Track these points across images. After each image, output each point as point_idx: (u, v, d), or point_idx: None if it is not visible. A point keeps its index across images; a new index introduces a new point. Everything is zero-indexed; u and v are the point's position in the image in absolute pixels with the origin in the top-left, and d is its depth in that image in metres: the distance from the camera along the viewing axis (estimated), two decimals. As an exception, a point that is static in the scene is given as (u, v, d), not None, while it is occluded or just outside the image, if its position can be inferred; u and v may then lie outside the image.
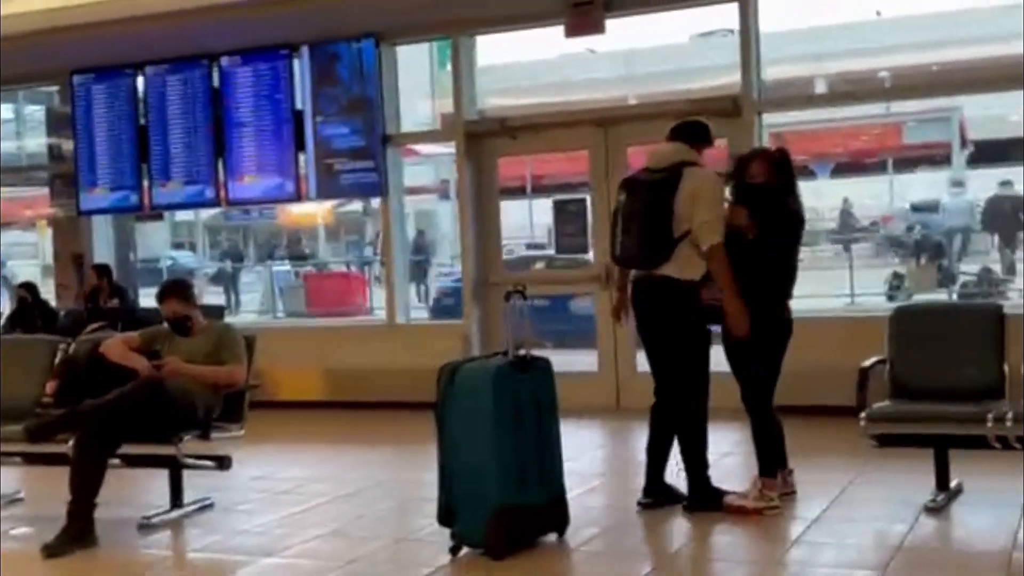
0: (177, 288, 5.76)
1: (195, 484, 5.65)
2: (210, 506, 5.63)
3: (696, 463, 5.16)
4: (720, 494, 5.14)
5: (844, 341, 6.84)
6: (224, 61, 9.09)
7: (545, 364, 4.76)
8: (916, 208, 17.56)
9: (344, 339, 9.27)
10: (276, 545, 4.91)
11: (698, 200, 5.01)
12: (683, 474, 5.18)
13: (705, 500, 5.11)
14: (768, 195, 5.15)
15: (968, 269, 14.02)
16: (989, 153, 21.59)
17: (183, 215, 24.71)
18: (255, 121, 9.02)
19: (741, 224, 5.11)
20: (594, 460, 6.40)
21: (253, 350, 5.69)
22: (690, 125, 5.32)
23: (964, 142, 19.87)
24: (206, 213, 22.90)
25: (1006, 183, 14.30)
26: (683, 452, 5.18)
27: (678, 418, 5.20)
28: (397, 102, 8.85)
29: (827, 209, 19.69)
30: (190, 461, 5.37)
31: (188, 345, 5.54)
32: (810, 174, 22.21)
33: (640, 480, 5.34)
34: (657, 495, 5.22)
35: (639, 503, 5.22)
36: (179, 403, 5.25)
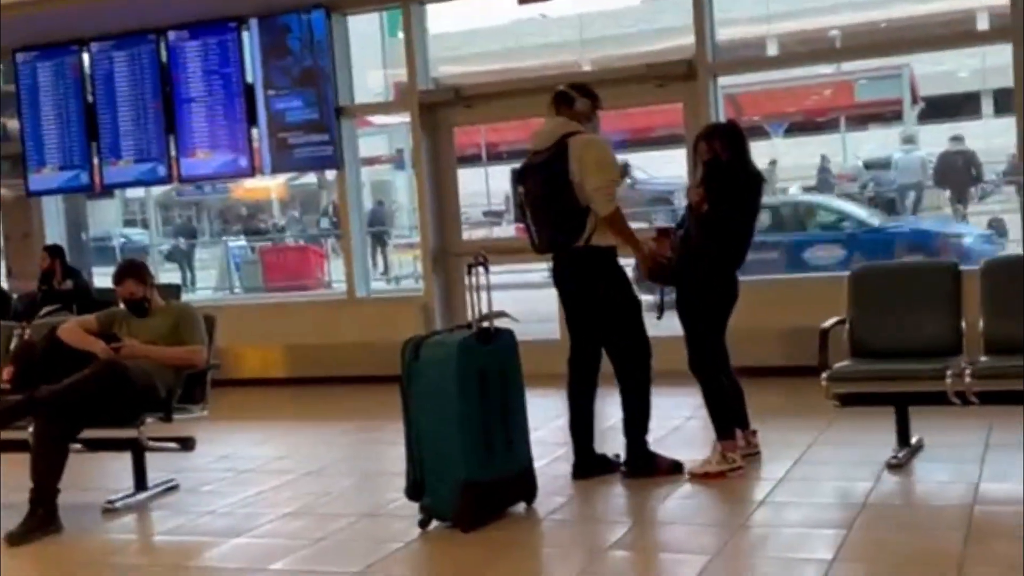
0: (133, 269, 5.67)
1: (159, 466, 5.61)
2: (175, 488, 5.59)
3: (638, 428, 5.20)
4: (657, 459, 5.18)
5: (802, 301, 6.89)
6: (172, 36, 8.93)
7: (509, 336, 4.76)
8: (869, 166, 17.69)
9: (304, 314, 9.21)
10: (243, 525, 4.89)
11: (585, 167, 5.00)
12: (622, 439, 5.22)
13: (643, 466, 5.15)
14: (717, 169, 5.15)
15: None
16: (940, 109, 21.82)
17: (134, 192, 24.40)
18: (206, 96, 8.88)
19: (692, 200, 5.17)
20: (559, 429, 6.38)
21: (213, 329, 5.64)
22: (561, 95, 5.24)
23: (915, 99, 20.01)
24: (158, 190, 22.62)
25: (957, 138, 14.44)
26: (627, 417, 5.21)
27: (624, 384, 5.21)
28: (350, 73, 8.75)
29: (781, 169, 19.79)
30: (153, 444, 5.33)
31: (147, 326, 5.48)
32: (764, 134, 22.36)
33: (606, 448, 5.37)
34: (591, 469, 5.22)
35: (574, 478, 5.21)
36: (139, 385, 5.19)
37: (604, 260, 5.10)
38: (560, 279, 5.25)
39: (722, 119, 7.88)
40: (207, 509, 5.21)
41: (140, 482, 5.47)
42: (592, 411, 5.27)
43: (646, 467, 5.15)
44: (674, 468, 5.17)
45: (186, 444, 5.43)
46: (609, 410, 5.55)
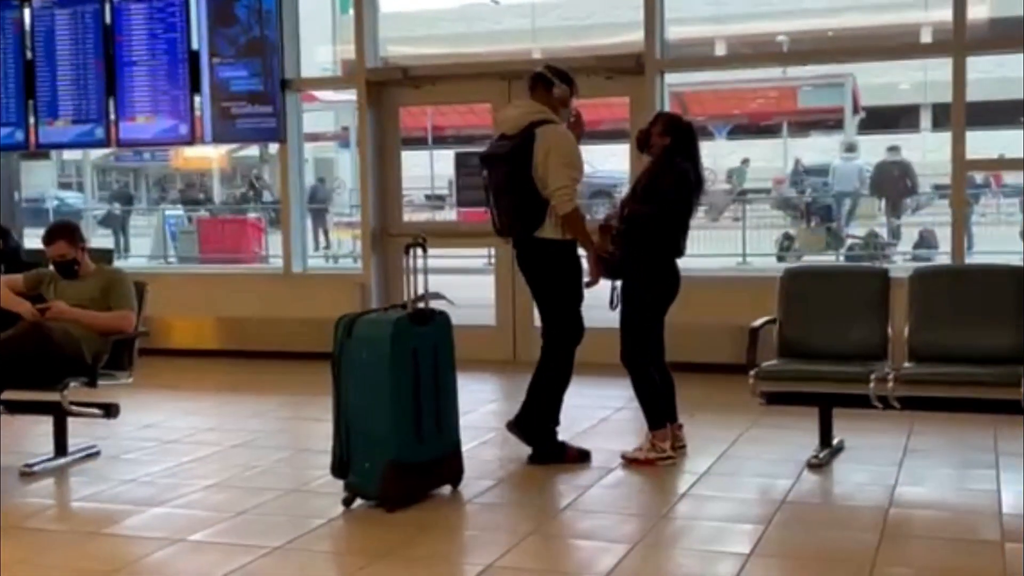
0: (65, 230, 5.57)
1: (81, 432, 5.53)
2: (96, 455, 5.51)
3: (547, 414, 5.27)
4: (565, 448, 5.27)
5: (737, 300, 6.98)
6: (117, -3, 8.77)
7: (444, 318, 4.75)
8: (807, 171, 17.95)
9: (239, 287, 9.10)
10: (164, 495, 4.83)
11: (550, 163, 5.05)
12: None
13: (549, 453, 5.24)
14: (658, 155, 5.20)
15: (855, 232, 14.43)
16: (880, 120, 22.21)
17: (71, 155, 23.94)
18: (149, 60, 8.72)
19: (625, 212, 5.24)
20: (489, 413, 6.43)
21: (144, 295, 5.56)
22: (540, 76, 5.25)
23: (856, 108, 20.34)
24: (96, 153, 22.23)
25: (893, 148, 14.70)
26: (536, 400, 5.27)
27: (542, 366, 5.29)
28: (297, 46, 8.65)
29: (722, 170, 20.00)
30: (76, 409, 5.24)
31: (75, 289, 5.39)
32: (708, 135, 22.58)
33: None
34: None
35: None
36: (65, 349, 5.11)
37: (559, 251, 5.17)
38: (520, 265, 5.37)
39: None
40: (128, 477, 5.14)
41: (60, 447, 5.39)
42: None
43: (557, 456, 5.23)
44: (581, 456, 5.27)
45: (110, 411, 5.35)
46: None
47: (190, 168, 24.27)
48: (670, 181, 5.14)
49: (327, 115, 21.65)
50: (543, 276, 5.24)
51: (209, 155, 20.96)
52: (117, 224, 19.15)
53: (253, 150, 22.29)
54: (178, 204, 21.20)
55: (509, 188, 5.15)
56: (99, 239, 17.04)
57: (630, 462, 5.20)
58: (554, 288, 5.24)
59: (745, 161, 19.14)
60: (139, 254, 17.64)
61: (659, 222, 5.14)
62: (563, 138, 5.14)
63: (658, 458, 5.18)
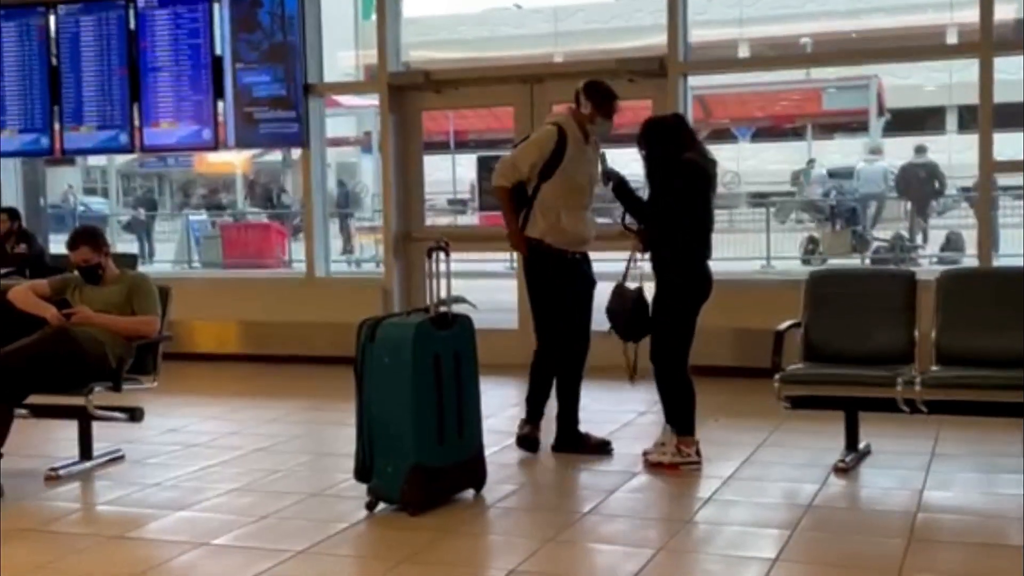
0: (89, 235, 5.59)
1: (105, 436, 5.55)
2: (120, 459, 5.53)
3: (532, 403, 5.56)
4: (585, 438, 5.51)
5: (762, 304, 6.93)
6: (141, 3, 8.79)
7: (466, 321, 4.74)
8: (832, 174, 17.83)
9: (262, 291, 9.13)
10: (188, 499, 4.84)
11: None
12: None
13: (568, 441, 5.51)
14: (653, 158, 5.20)
15: (881, 235, 14.34)
16: (905, 122, 22.06)
17: (95, 160, 24.10)
18: (172, 66, 8.77)
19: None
20: (511, 418, 6.38)
21: (167, 300, 5.58)
22: (577, 91, 5.50)
23: (881, 110, 20.21)
24: (120, 159, 22.37)
25: (921, 149, 14.56)
26: (561, 405, 5.59)
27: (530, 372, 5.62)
28: (320, 51, 8.68)
29: (746, 173, 19.93)
30: (100, 413, 5.26)
31: (100, 294, 5.41)
32: (731, 138, 22.49)
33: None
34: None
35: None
36: (89, 353, 5.13)
37: (539, 252, 5.43)
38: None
39: (689, 119, 7.91)
40: (152, 481, 5.16)
41: (85, 451, 5.41)
42: (574, 390, 5.57)
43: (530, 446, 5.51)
44: (601, 447, 5.47)
45: (134, 415, 5.37)
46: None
47: (213, 173, 24.38)
48: (673, 175, 5.10)
49: (349, 120, 21.73)
50: (526, 275, 5.57)
51: (232, 160, 21.03)
52: (142, 229, 19.29)
53: (276, 155, 22.39)
54: (201, 209, 21.32)
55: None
56: (124, 245, 17.17)
57: (654, 466, 5.16)
58: (532, 289, 5.52)
59: (811, 162, 18.88)
60: (163, 259, 17.75)
61: (674, 216, 5.10)
62: (541, 131, 5.49)
63: (683, 463, 5.14)
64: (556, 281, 5.45)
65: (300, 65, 8.47)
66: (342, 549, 4.22)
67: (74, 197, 23.00)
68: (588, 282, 5.55)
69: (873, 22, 21.18)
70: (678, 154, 5.13)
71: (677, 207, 5.10)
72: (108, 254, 5.57)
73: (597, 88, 5.45)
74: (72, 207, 21.66)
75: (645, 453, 5.27)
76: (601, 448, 5.47)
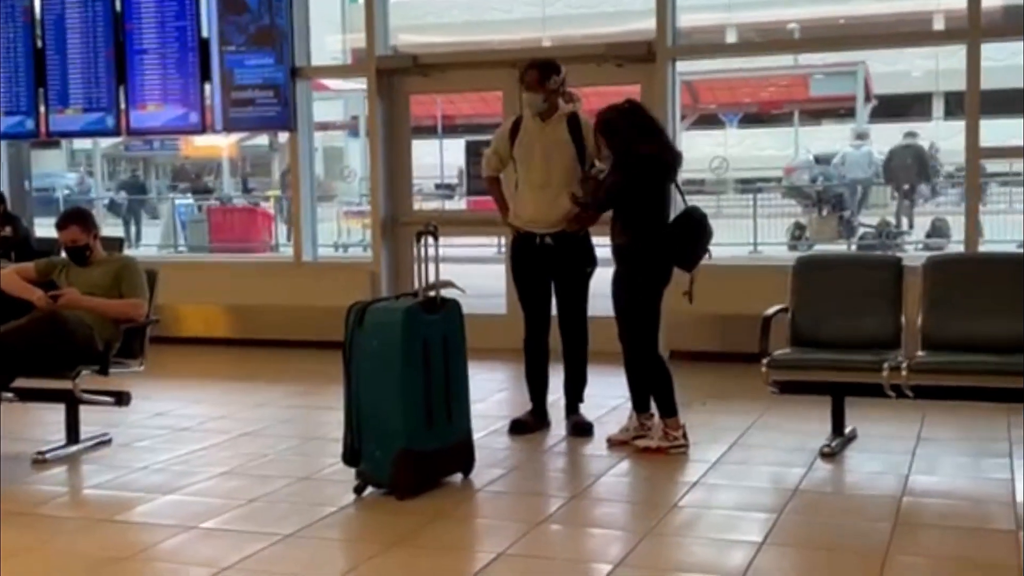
0: (78, 215, 5.58)
1: (93, 420, 5.53)
2: (108, 442, 5.51)
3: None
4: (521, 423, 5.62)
5: (749, 289, 6.94)
6: (127, -17, 8.76)
7: (455, 306, 4.74)
8: (819, 160, 17.86)
9: (249, 275, 9.10)
10: (175, 483, 4.84)
11: None
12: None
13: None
14: (614, 145, 5.20)
15: (867, 221, 14.38)
16: (892, 108, 22.09)
17: (81, 143, 23.95)
18: (159, 48, 8.71)
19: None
20: (500, 402, 6.42)
21: (155, 284, 5.56)
22: None
23: (868, 96, 20.22)
24: (105, 142, 22.24)
25: (910, 134, 14.59)
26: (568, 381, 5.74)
27: None
28: (308, 34, 8.63)
29: (733, 159, 19.94)
30: (87, 396, 5.25)
31: (87, 277, 5.39)
32: (719, 123, 22.49)
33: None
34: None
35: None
36: (77, 337, 5.11)
37: (514, 237, 5.67)
38: None
39: (677, 104, 7.91)
40: (140, 465, 5.15)
41: (72, 435, 5.39)
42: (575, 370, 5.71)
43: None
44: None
45: (121, 399, 5.36)
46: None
47: (199, 157, 24.27)
48: (627, 167, 5.11)
49: (336, 104, 21.63)
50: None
51: (219, 144, 20.94)
52: (127, 213, 19.19)
53: (263, 139, 22.30)
54: (188, 193, 21.22)
55: None
56: (110, 228, 17.09)
57: (642, 451, 5.18)
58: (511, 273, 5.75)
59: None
60: (149, 243, 17.68)
61: (628, 207, 5.11)
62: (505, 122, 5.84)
63: (670, 446, 5.17)
64: (515, 263, 5.64)
65: (288, 48, 8.43)
66: (330, 533, 4.23)
67: (91, 180, 22.87)
68: (569, 266, 5.53)
69: (861, 8, 21.17)
70: (634, 144, 5.12)
71: (630, 199, 5.11)
72: (97, 236, 5.55)
73: (522, 70, 5.60)
74: (86, 190, 21.49)
75: (609, 439, 5.31)
76: (518, 427, 5.61)
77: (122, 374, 5.38)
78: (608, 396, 6.21)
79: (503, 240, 8.27)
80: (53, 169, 24.28)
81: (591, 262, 5.58)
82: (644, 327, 5.20)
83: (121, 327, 5.29)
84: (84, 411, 5.42)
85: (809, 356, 5.19)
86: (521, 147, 5.54)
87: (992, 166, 16.24)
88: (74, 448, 5.37)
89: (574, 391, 5.65)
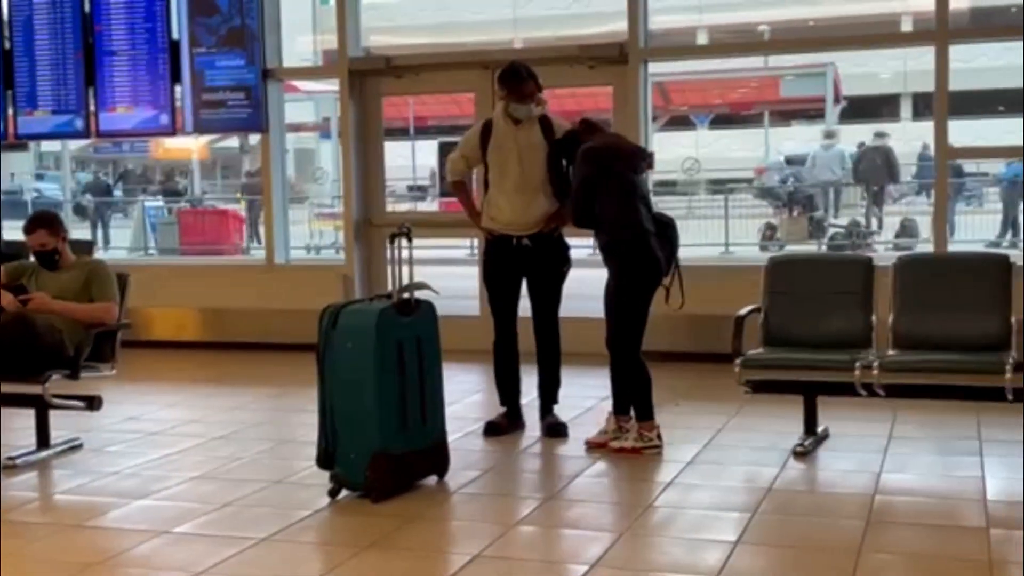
0: (46, 219, 5.54)
1: (64, 425, 5.49)
2: (79, 447, 5.47)
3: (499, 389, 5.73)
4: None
5: (721, 289, 6.97)
6: (96, -15, 8.70)
7: (429, 308, 4.74)
8: (790, 161, 17.98)
9: (221, 278, 9.05)
10: (148, 487, 4.80)
11: None
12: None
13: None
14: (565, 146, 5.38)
15: (837, 221, 14.48)
16: (861, 109, 22.28)
17: (49, 146, 23.74)
18: (129, 50, 8.65)
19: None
20: (474, 404, 6.42)
21: (126, 287, 5.52)
22: None
23: (837, 97, 20.37)
24: (74, 144, 22.06)
25: (880, 134, 14.70)
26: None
27: None
28: (279, 35, 8.60)
29: (704, 160, 20.03)
30: (58, 401, 5.21)
31: (57, 280, 5.35)
32: (690, 124, 22.59)
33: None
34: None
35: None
36: (46, 341, 5.07)
37: (488, 240, 5.66)
38: None
39: (649, 105, 7.94)
40: (112, 470, 5.11)
41: (43, 439, 5.35)
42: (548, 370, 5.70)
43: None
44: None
45: (92, 403, 5.32)
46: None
47: (170, 159, 24.12)
48: (578, 165, 5.24)
49: (307, 106, 21.55)
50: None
51: (189, 146, 20.81)
52: (96, 216, 19.02)
53: (233, 141, 22.20)
54: (158, 196, 21.07)
55: None
56: (79, 231, 16.94)
57: (617, 451, 5.19)
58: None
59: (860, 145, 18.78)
60: (119, 246, 17.53)
61: (584, 198, 5.17)
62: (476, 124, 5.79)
63: (645, 447, 5.18)
64: (490, 265, 5.65)
65: (258, 50, 8.40)
66: (305, 536, 4.21)
67: (113, 181, 22.64)
68: (544, 266, 5.55)
69: (830, 10, 21.32)
70: (586, 143, 5.26)
71: (593, 194, 5.15)
72: (65, 239, 5.51)
73: (506, 74, 5.51)
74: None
75: (587, 441, 5.31)
76: (492, 429, 5.60)
77: (93, 378, 5.34)
78: (584, 397, 6.23)
79: (475, 242, 8.27)
80: (20, 172, 24.01)
81: (566, 262, 5.60)
82: (629, 328, 5.21)
83: (92, 331, 5.25)
84: (55, 416, 5.38)
85: (782, 355, 5.22)
86: (495, 151, 5.53)
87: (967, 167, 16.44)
88: (44, 453, 5.32)
89: (549, 392, 5.66)
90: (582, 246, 5.59)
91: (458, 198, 5.88)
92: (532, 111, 5.47)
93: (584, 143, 5.27)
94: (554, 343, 5.62)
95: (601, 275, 5.30)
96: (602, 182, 5.17)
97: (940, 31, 7.14)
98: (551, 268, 5.57)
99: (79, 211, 19.49)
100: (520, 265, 5.56)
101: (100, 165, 28.47)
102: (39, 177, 25.55)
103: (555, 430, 5.53)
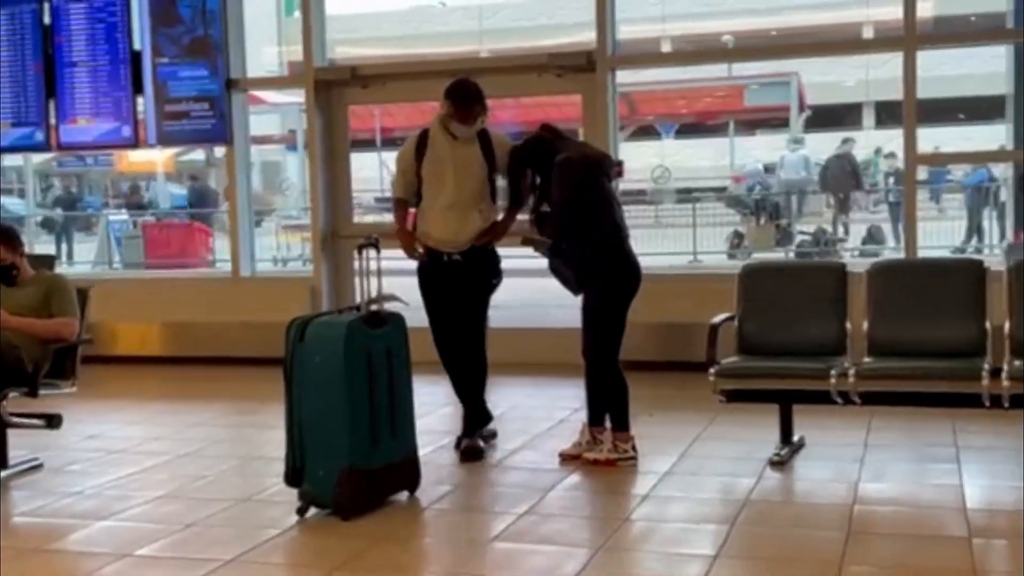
0: (2, 234, 5.38)
1: (22, 444, 5.33)
2: (38, 467, 5.31)
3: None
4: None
5: (691, 298, 6.92)
6: (56, -5, 8.54)
7: (398, 320, 4.63)
8: (768, 169, 17.99)
9: (186, 292, 8.90)
10: (109, 508, 4.66)
11: None
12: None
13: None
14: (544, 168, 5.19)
15: (804, 228, 14.51)
16: (825, 118, 22.41)
17: (11, 160, 23.39)
18: (89, 61, 8.50)
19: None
20: (445, 416, 6.30)
21: (87, 302, 5.38)
22: None
23: (802, 106, 20.47)
24: (37, 158, 21.76)
25: (848, 140, 14.77)
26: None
27: None
28: (243, 46, 8.47)
29: (671, 169, 20.06)
30: (16, 420, 5.05)
31: (14, 296, 5.20)
32: (656, 134, 22.63)
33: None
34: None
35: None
36: (4, 358, 4.91)
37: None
38: None
39: (615, 115, 7.88)
40: (72, 490, 4.96)
41: (0, 460, 5.18)
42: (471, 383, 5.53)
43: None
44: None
45: (52, 421, 5.17)
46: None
47: (135, 172, 23.84)
48: (556, 182, 5.09)
49: (273, 118, 21.39)
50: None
51: (154, 159, 20.57)
52: (60, 230, 18.76)
53: (200, 153, 21.96)
54: (122, 209, 20.79)
55: None
56: (42, 246, 16.69)
57: (591, 463, 5.11)
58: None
59: (878, 151, 18.80)
60: (83, 260, 17.29)
61: (570, 213, 5.07)
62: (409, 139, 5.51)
63: (619, 459, 5.10)
64: (424, 282, 5.46)
65: (222, 60, 8.27)
66: (273, 557, 4.09)
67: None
68: (474, 282, 5.40)
69: (793, 20, 21.46)
70: (564, 154, 5.13)
71: (574, 207, 5.06)
72: (23, 254, 5.36)
73: (455, 90, 5.28)
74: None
75: (561, 454, 5.23)
76: (473, 453, 5.35)
77: (53, 395, 5.19)
78: (558, 408, 6.16)
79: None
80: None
81: (497, 274, 5.46)
82: (608, 337, 5.13)
83: (51, 347, 5.11)
84: (13, 435, 5.22)
85: (756, 364, 5.16)
86: (430, 165, 5.32)
87: (923, 174, 16.54)
88: (3, 473, 5.15)
89: (472, 414, 5.47)
90: (513, 256, 5.51)
91: (396, 215, 5.54)
92: (472, 132, 5.29)
93: (554, 151, 5.17)
94: (480, 360, 5.45)
95: (554, 285, 5.25)
96: (586, 194, 5.09)
97: (908, 37, 7.13)
98: (481, 282, 5.40)
99: (45, 225, 19.23)
100: (452, 280, 5.36)
101: (64, 178, 28.12)
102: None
103: (469, 454, 5.33)
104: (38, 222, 19.23)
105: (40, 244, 16.77)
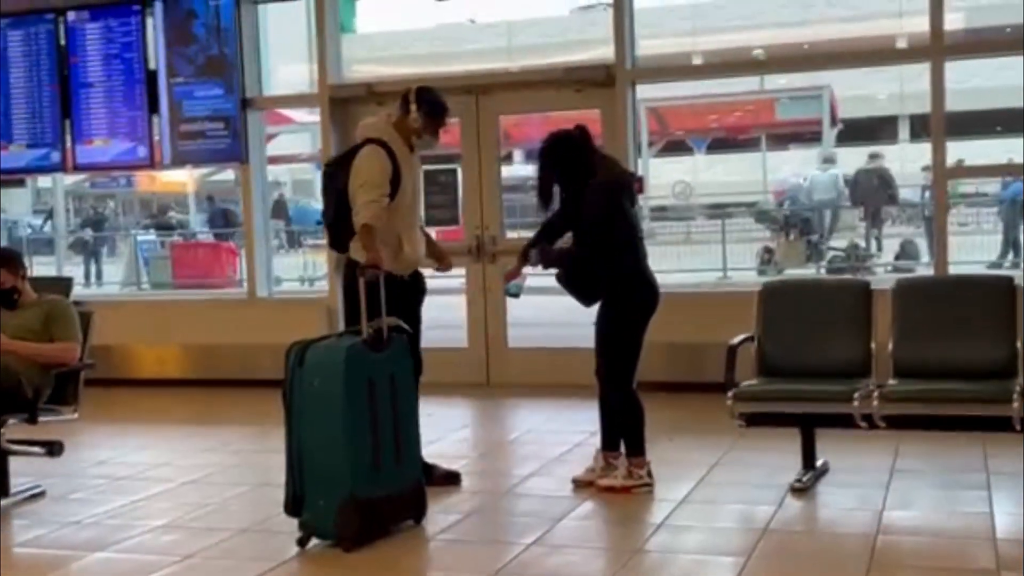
0: (5, 258, 5.30)
1: (25, 471, 5.23)
2: (41, 495, 5.20)
3: None
4: (432, 469, 5.01)
5: (716, 316, 6.73)
6: (71, 16, 8.51)
7: (401, 343, 4.49)
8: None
9: (203, 313, 8.82)
10: (109, 537, 4.54)
11: (354, 181, 4.77)
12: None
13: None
14: (566, 177, 4.98)
15: (836, 244, 14.25)
16: (858, 131, 22.12)
17: (44, 181, 23.57)
18: (105, 81, 8.47)
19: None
20: (460, 440, 6.16)
21: (89, 326, 5.28)
22: (404, 95, 4.99)
23: (834, 120, 20.22)
24: (70, 179, 21.89)
25: (875, 155, 14.51)
26: None
27: None
28: (259, 64, 8.40)
29: (702, 184, 19.86)
30: (15, 448, 4.95)
31: (15, 320, 5.11)
32: (687, 149, 22.45)
33: (507, 463, 5.15)
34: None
35: None
36: (3, 383, 4.82)
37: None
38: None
39: (643, 130, 7.73)
40: (72, 519, 4.84)
41: (1, 488, 5.08)
42: None
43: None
44: (448, 479, 5.08)
45: (53, 449, 5.06)
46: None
47: (163, 192, 23.97)
48: (589, 203, 4.88)
49: (304, 136, 21.41)
50: (346, 299, 4.89)
51: (182, 179, 20.63)
52: (89, 251, 18.83)
53: (229, 174, 22.01)
54: (150, 229, 20.86)
55: (327, 200, 4.96)
56: (71, 267, 16.75)
57: (605, 490, 4.93)
58: (353, 309, 4.71)
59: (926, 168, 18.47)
60: (112, 280, 17.34)
61: (602, 236, 4.88)
62: (368, 156, 4.80)
63: (635, 485, 4.92)
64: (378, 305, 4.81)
65: (238, 78, 8.20)
66: (269, 590, 3.95)
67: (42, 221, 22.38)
68: (411, 300, 5.05)
69: (824, 31, 21.22)
70: (587, 177, 4.91)
71: (602, 233, 4.87)
72: (25, 277, 5.28)
73: (431, 98, 4.97)
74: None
75: (574, 480, 5.06)
76: (448, 479, 5.11)
77: (55, 422, 5.08)
78: (572, 432, 5.99)
79: (465, 270, 8.04)
80: (18, 209, 23.87)
81: (423, 292, 5.18)
82: (623, 361, 4.96)
83: (52, 372, 5.01)
84: (19, 461, 5.13)
85: (776, 387, 4.96)
86: (407, 181, 4.95)
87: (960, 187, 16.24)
88: (3, 502, 5.05)
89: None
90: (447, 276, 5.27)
91: (369, 242, 4.72)
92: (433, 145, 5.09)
93: (583, 160, 4.95)
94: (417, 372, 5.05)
95: (571, 302, 5.07)
96: (618, 218, 4.92)
97: (935, 46, 6.94)
98: (417, 300, 5.12)
99: (74, 246, 19.30)
100: (401, 300, 4.86)
101: (97, 200, 28.33)
102: (43, 215, 25.26)
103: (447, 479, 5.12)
104: (69, 244, 19.35)
105: (70, 265, 16.83)
